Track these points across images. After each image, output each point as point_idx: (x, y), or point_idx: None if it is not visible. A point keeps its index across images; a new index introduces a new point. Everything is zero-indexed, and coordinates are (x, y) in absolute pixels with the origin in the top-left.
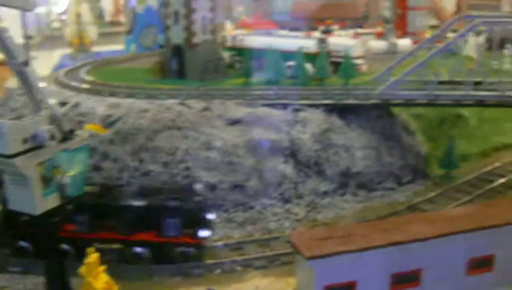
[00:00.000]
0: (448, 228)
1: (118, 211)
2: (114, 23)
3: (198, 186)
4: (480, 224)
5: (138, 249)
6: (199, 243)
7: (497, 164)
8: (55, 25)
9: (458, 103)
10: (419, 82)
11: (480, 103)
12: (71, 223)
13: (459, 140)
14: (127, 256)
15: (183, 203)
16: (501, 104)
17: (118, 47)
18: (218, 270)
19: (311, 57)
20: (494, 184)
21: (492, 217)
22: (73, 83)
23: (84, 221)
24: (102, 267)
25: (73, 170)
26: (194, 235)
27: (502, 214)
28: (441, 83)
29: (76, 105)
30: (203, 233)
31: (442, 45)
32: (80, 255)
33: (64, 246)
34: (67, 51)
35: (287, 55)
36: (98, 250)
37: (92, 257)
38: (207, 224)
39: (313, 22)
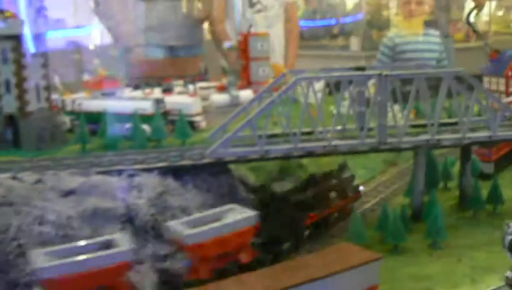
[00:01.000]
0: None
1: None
2: None
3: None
4: (294, 281)
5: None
6: (360, 196)
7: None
8: None
9: (289, 156)
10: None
11: (310, 154)
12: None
13: None
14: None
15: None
16: (329, 153)
17: None
18: None
19: (148, 118)
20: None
21: (302, 274)
22: None
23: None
24: None
25: None
26: (358, 192)
27: (315, 268)
28: (272, 136)
29: None
30: (362, 187)
31: (265, 102)
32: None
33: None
34: None
35: (125, 117)
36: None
37: None
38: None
39: (154, 79)
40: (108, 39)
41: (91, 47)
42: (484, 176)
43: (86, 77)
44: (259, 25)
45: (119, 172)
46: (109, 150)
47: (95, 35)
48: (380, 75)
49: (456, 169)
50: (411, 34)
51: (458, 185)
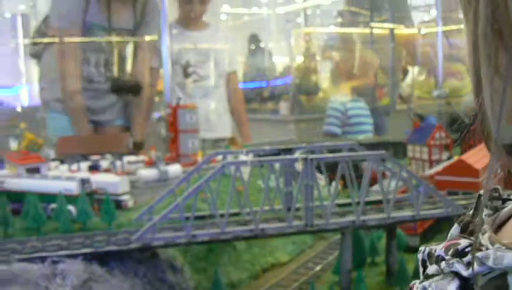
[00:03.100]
0: None
1: None
2: None
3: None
4: None
5: None
6: None
7: (265, 287)
8: None
9: (217, 240)
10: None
11: (237, 238)
12: None
13: (228, 267)
14: None
15: None
16: (256, 236)
17: None
18: None
19: (73, 199)
20: None
21: None
22: None
23: None
24: None
25: None
26: None
27: None
28: (200, 217)
29: None
30: None
31: (192, 188)
32: None
33: None
34: None
35: (49, 197)
36: None
37: None
38: None
39: (79, 157)
40: (36, 100)
41: (18, 109)
42: (410, 249)
43: (12, 144)
44: (193, 95)
45: (42, 259)
46: (32, 233)
47: (23, 96)
48: (305, 159)
49: (382, 243)
50: (353, 99)
51: (385, 260)
